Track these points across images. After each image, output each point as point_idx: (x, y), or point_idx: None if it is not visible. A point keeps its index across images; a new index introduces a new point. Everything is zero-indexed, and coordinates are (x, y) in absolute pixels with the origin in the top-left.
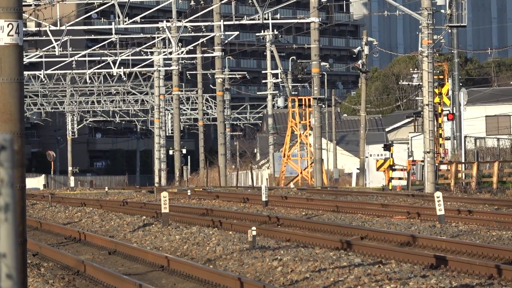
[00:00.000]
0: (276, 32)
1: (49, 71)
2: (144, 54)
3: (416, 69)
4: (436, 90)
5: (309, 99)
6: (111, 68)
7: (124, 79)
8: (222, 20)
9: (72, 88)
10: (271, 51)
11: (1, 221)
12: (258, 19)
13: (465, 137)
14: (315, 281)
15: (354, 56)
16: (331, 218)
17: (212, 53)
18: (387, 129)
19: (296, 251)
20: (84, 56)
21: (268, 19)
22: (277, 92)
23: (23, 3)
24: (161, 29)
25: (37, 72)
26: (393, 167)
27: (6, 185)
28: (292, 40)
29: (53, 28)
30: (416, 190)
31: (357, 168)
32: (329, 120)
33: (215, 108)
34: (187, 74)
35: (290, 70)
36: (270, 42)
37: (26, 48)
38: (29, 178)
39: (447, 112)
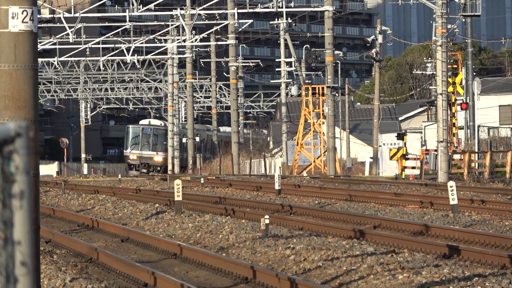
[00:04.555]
0: (290, 21)
1: (62, 58)
2: (158, 42)
3: (429, 58)
4: (450, 80)
5: (322, 88)
6: (125, 56)
7: (138, 66)
8: (236, 8)
9: (85, 75)
10: (285, 40)
11: (16, 208)
12: (272, 7)
13: (479, 126)
14: (328, 270)
15: (368, 44)
16: (344, 207)
17: (226, 41)
18: (400, 118)
19: (309, 239)
20: (98, 43)
21: (282, 7)
22: (290, 80)
23: None
24: (175, 16)
25: (51, 59)
26: (406, 156)
27: (22, 172)
28: (306, 29)
29: (67, 15)
30: (429, 179)
31: (370, 157)
32: (343, 109)
33: (229, 96)
34: (201, 62)
35: (303, 58)
36: (284, 31)
37: (40, 35)
38: (42, 165)
39: (461, 101)
